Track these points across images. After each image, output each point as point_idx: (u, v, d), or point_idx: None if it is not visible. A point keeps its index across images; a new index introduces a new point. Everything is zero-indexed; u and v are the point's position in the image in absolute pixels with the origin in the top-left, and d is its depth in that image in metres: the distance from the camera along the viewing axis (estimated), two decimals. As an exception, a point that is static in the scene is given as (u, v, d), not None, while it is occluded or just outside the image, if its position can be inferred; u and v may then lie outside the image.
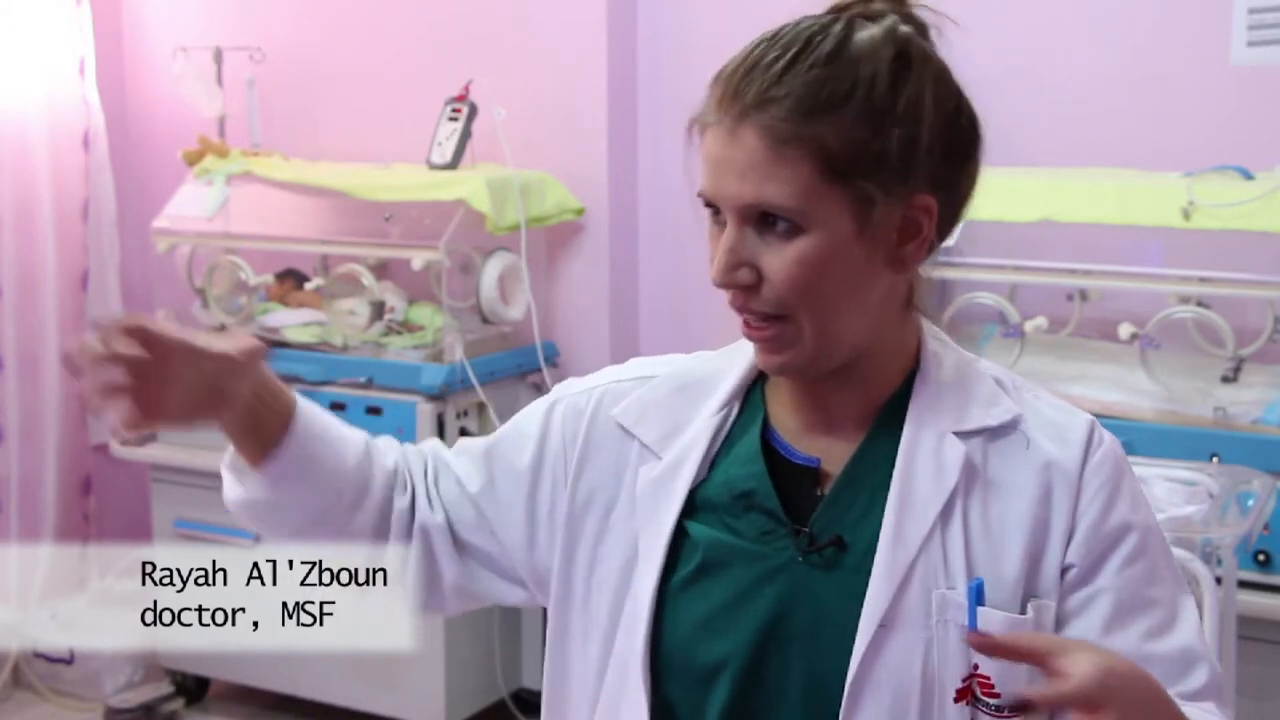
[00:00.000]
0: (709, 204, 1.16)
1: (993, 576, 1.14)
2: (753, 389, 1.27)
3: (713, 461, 1.24)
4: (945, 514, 1.16)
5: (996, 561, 1.15)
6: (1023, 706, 1.06)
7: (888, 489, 1.17)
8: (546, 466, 1.29)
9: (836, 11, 1.16)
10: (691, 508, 1.22)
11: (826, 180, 1.11)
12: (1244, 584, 2.32)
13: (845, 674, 1.13)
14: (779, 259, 1.12)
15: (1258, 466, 2.27)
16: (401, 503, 1.30)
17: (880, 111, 1.11)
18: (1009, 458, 1.18)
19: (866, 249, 1.14)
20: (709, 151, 1.14)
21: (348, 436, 1.28)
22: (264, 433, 1.21)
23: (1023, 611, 1.14)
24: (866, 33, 1.13)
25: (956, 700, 1.13)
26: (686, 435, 1.25)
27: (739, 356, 1.28)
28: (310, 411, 1.24)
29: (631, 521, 1.24)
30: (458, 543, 1.30)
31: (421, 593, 1.31)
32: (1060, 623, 1.16)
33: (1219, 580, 1.99)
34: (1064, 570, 1.16)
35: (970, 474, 1.17)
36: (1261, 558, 2.38)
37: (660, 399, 1.28)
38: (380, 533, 1.29)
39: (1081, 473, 1.17)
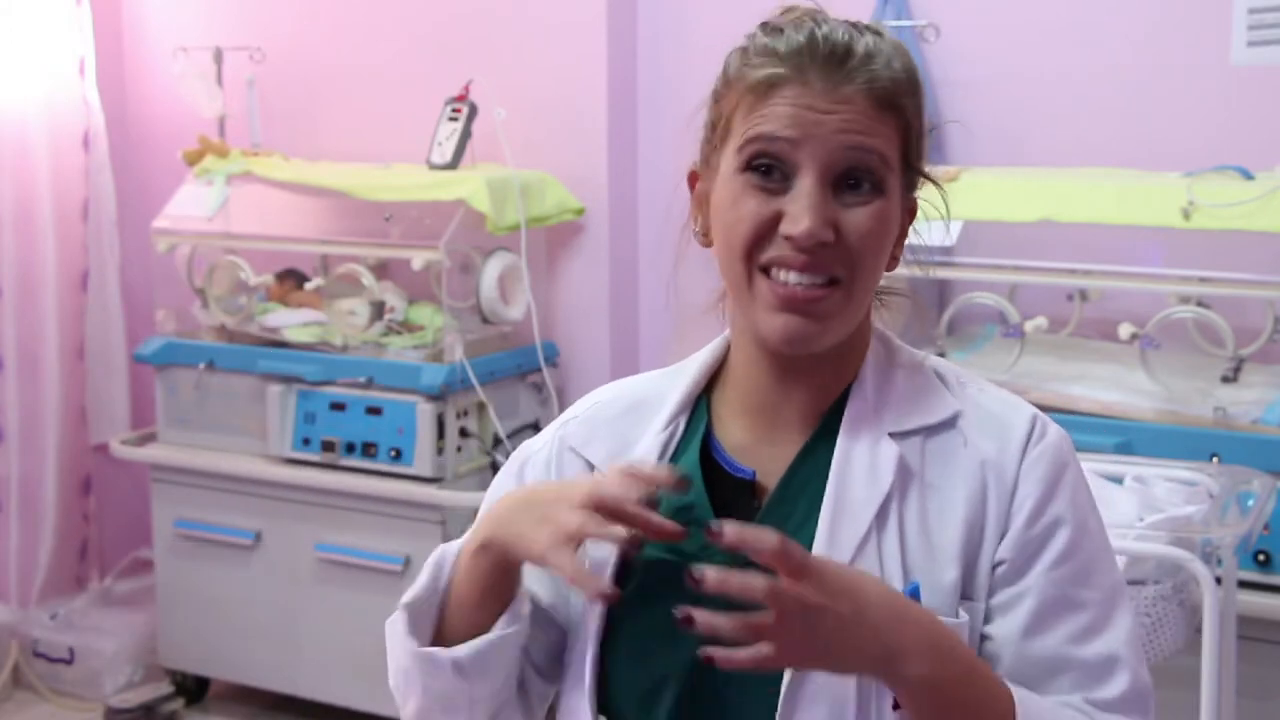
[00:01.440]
0: (765, 157, 1.13)
1: (930, 580, 1.12)
2: (699, 403, 1.26)
3: None
4: (880, 518, 1.14)
5: (933, 565, 1.13)
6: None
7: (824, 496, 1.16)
8: None
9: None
10: None
11: (900, 156, 1.15)
12: (1244, 584, 2.31)
13: (781, 683, 1.11)
14: (859, 217, 1.13)
15: (1258, 466, 2.26)
16: None
17: (922, 110, 1.17)
18: (947, 457, 1.16)
19: (895, 233, 1.18)
20: (795, 103, 1.11)
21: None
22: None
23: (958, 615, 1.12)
24: (888, 38, 1.17)
25: (895, 709, 1.10)
26: (634, 455, 1.23)
27: (685, 372, 1.28)
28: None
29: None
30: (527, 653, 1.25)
31: None
32: (985, 619, 1.14)
33: (1219, 580, 1.99)
34: (995, 565, 1.14)
35: (905, 476, 1.16)
36: (1261, 558, 2.38)
37: (607, 419, 1.27)
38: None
39: (1019, 468, 1.15)
